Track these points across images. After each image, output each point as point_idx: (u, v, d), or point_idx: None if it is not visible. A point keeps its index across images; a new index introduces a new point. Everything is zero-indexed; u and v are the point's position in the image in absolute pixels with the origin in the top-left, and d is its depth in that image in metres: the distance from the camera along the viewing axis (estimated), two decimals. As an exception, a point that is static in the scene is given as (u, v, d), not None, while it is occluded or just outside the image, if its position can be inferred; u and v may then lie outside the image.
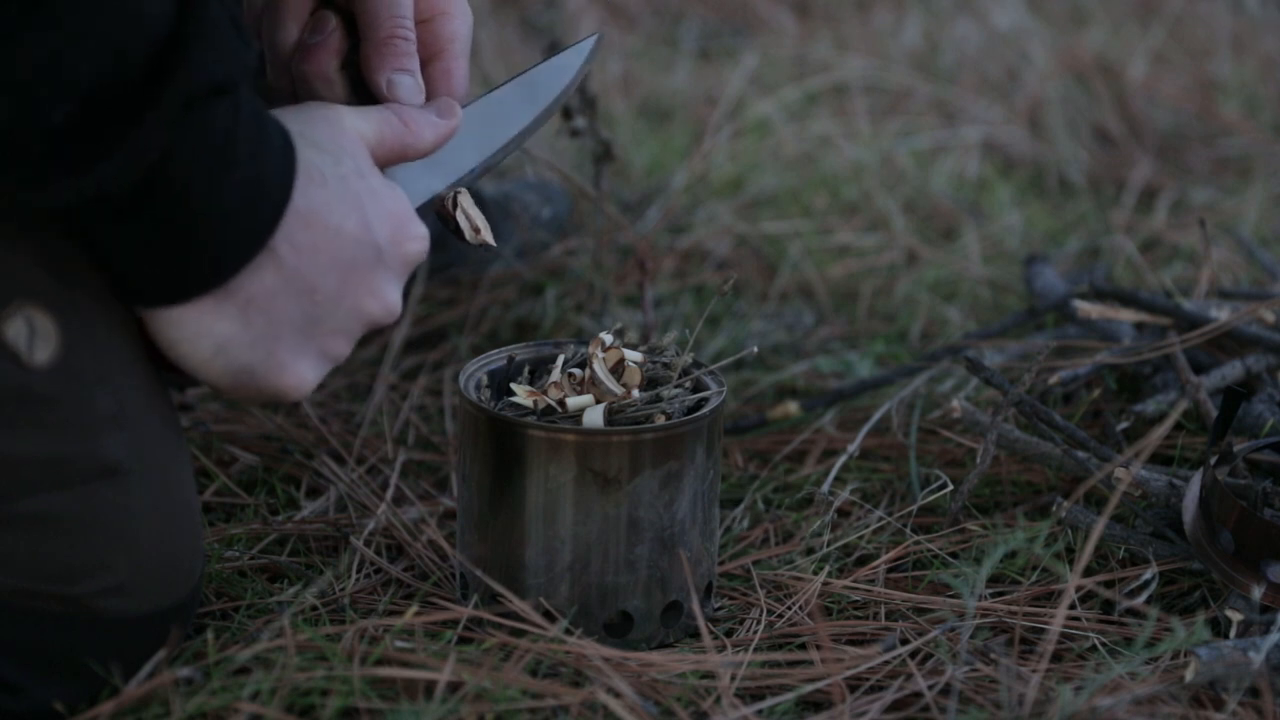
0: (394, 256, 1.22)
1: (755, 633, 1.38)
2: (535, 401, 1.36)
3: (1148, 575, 1.42)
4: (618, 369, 1.38)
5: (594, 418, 1.34)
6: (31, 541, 1.15)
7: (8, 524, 1.14)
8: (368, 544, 1.48)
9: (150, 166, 1.07)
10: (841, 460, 1.63)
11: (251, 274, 1.15)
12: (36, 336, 1.13)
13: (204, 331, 1.16)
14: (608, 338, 1.38)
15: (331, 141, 1.20)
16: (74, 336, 1.14)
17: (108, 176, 1.06)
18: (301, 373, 1.20)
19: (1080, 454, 1.52)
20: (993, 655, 1.32)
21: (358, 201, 1.19)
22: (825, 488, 1.58)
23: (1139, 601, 1.40)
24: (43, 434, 1.14)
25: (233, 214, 1.12)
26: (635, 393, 1.36)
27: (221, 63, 1.09)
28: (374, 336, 1.91)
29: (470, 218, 1.33)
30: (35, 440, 1.14)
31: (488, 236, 1.34)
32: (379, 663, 1.25)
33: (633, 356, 1.38)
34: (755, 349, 1.48)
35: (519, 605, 1.33)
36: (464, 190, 1.33)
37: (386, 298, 1.22)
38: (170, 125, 1.07)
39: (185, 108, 1.07)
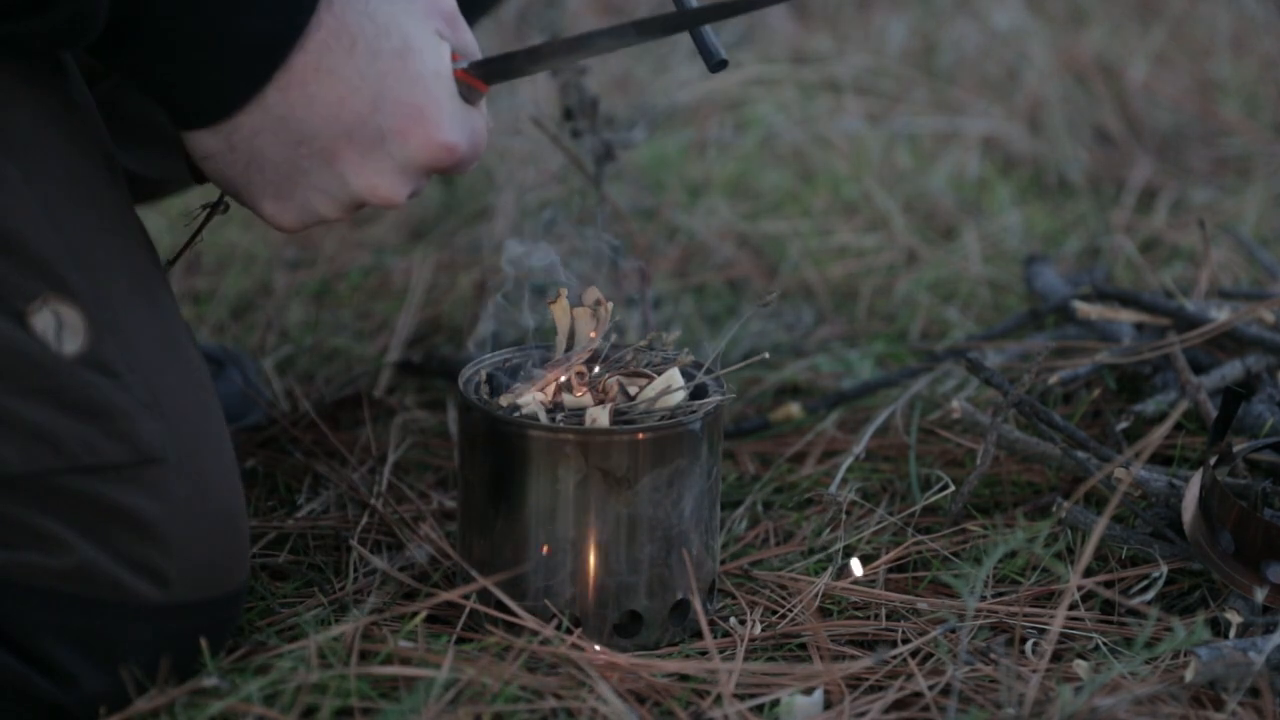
0: (399, 149, 1.22)
1: (756, 633, 1.38)
2: (544, 404, 1.36)
3: (1155, 574, 1.42)
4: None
5: (596, 415, 1.34)
6: (81, 523, 1.16)
7: (59, 500, 1.16)
8: (367, 544, 1.48)
9: None
10: (849, 461, 1.63)
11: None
12: (64, 329, 1.16)
13: (194, 140, 1.22)
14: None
15: (391, 14, 1.21)
16: (101, 329, 1.17)
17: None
18: (280, 210, 1.25)
19: (1080, 454, 1.52)
20: (993, 655, 1.33)
21: (378, 82, 1.20)
22: (834, 488, 1.57)
23: (1148, 598, 1.40)
24: (79, 420, 1.16)
25: (234, 54, 1.17)
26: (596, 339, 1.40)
27: None
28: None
29: None
30: (72, 423, 1.16)
31: None
32: (381, 662, 1.25)
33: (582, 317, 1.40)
34: (768, 354, 1.48)
35: (517, 606, 1.33)
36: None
37: (380, 187, 1.23)
38: None
39: None
